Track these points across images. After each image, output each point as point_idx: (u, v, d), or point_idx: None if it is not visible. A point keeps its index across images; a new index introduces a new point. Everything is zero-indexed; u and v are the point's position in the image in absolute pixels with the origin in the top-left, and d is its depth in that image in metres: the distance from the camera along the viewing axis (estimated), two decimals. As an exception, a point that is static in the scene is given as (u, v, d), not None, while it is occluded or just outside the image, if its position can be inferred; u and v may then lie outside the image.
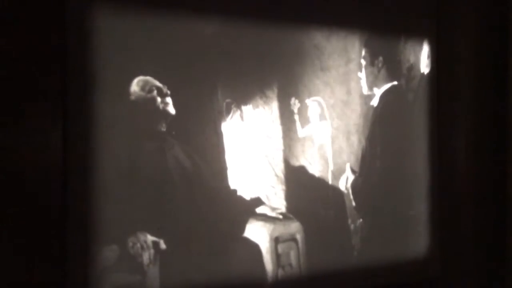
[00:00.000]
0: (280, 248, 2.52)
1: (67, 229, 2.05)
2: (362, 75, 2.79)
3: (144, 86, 2.20)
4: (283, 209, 2.54)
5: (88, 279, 2.09)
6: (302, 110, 2.61)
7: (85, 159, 2.10)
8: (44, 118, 2.05)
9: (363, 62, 2.80)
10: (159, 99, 2.23)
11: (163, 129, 2.26)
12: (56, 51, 2.05)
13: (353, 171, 2.76)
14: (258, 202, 2.48)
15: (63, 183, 2.05)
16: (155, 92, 2.22)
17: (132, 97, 2.18)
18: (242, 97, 2.44)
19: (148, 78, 2.21)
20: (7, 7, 1.97)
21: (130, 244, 2.15)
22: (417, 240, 3.00)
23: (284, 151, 2.56)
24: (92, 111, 2.11)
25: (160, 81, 2.23)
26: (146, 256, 2.18)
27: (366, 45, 2.80)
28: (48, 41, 2.04)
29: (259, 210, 2.48)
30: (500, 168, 3.00)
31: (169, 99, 2.25)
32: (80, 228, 2.08)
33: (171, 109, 2.26)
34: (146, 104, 2.21)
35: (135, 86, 2.19)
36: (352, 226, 2.76)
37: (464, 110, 3.02)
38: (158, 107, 2.24)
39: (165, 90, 2.24)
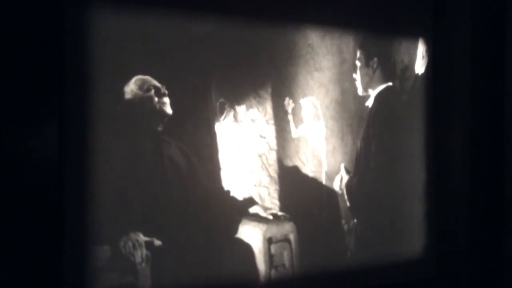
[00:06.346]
0: (273, 248, 2.51)
1: (63, 229, 2.06)
2: (357, 76, 2.79)
3: (142, 85, 2.20)
4: (276, 209, 2.54)
5: (83, 278, 2.09)
6: (296, 110, 2.60)
7: (81, 158, 2.10)
8: (40, 117, 2.05)
9: (358, 63, 2.79)
10: (156, 99, 2.23)
11: (160, 128, 2.25)
12: (53, 49, 2.06)
13: (347, 172, 2.76)
14: (251, 202, 2.47)
15: (59, 182, 2.05)
16: (152, 92, 2.22)
17: (129, 96, 2.18)
18: (236, 97, 2.44)
19: (147, 77, 2.21)
20: (4, 7, 1.96)
21: (122, 243, 2.15)
22: (412, 240, 3.00)
23: (278, 151, 2.56)
24: (89, 110, 2.11)
25: (157, 81, 2.23)
26: (138, 255, 2.18)
27: (361, 46, 2.79)
28: (46, 41, 2.04)
29: (252, 210, 2.47)
30: (496, 168, 2.99)
31: (166, 99, 2.25)
32: (75, 227, 2.08)
33: (168, 109, 2.25)
34: (143, 103, 2.21)
35: (132, 84, 2.18)
36: (346, 227, 2.76)
37: (460, 111, 3.02)
38: (155, 107, 2.23)
39: (163, 90, 2.24)
